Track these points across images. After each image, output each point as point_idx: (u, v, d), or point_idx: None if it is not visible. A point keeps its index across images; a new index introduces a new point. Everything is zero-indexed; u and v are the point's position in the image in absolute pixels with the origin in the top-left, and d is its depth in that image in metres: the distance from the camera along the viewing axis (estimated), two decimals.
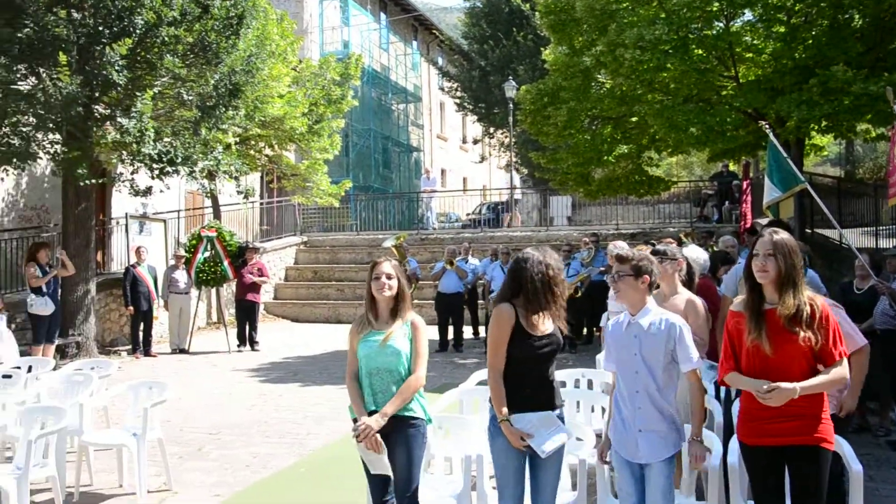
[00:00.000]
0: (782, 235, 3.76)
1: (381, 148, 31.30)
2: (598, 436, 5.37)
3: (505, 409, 4.06)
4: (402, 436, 4.17)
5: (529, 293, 4.08)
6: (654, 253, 5.08)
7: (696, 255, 6.50)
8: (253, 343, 14.71)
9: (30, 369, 8.09)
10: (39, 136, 12.19)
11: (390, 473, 4.13)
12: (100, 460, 6.83)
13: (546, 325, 4.14)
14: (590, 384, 6.61)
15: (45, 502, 5.83)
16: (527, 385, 4.11)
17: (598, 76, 15.48)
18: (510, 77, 26.08)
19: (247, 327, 14.81)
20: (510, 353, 4.09)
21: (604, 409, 6.19)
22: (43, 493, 5.93)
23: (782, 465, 3.75)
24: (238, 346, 14.68)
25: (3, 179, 12.75)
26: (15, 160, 11.72)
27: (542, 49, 19.10)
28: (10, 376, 7.57)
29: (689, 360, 4.06)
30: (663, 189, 18.04)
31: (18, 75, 11.52)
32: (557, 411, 4.17)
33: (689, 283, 5.65)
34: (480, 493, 4.80)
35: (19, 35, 10.65)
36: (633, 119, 15.36)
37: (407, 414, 4.20)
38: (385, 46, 32.75)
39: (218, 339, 15.28)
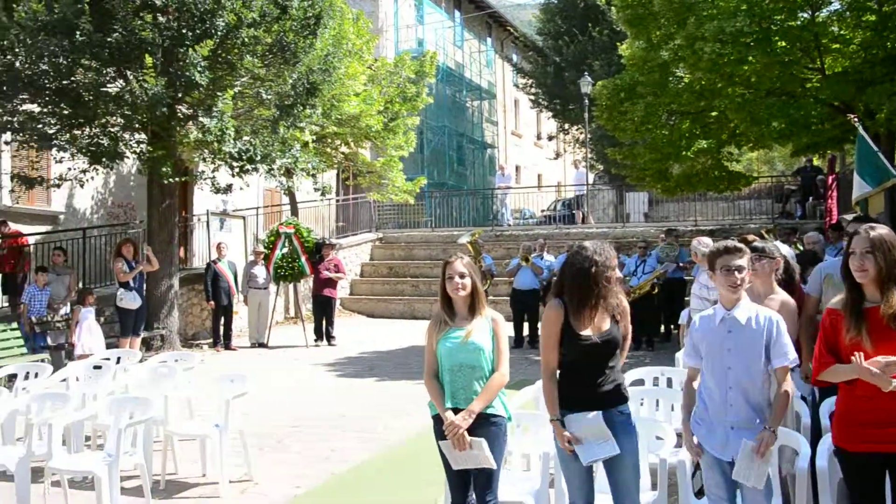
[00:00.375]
0: (880, 231, 3.58)
1: (455, 145, 31.33)
2: (679, 435, 5.27)
3: (557, 410, 4.03)
4: (483, 434, 4.10)
5: (571, 288, 4.01)
6: (753, 250, 4.92)
7: (784, 252, 6.30)
8: (330, 338, 14.91)
9: (118, 361, 8.38)
10: (126, 135, 12.62)
11: (489, 463, 4.08)
12: (184, 450, 6.99)
13: (601, 322, 4.02)
14: (669, 382, 6.48)
15: (134, 489, 6.01)
16: (579, 385, 4.04)
17: (677, 70, 15.20)
18: (585, 73, 25.78)
19: (323, 322, 15.03)
20: (561, 352, 4.04)
21: None
22: (131, 480, 6.12)
23: (883, 471, 3.59)
24: (315, 340, 14.90)
25: (92, 178, 13.20)
26: (104, 159, 12.14)
27: (618, 44, 18.85)
28: (100, 367, 7.87)
29: (784, 355, 3.89)
30: (744, 184, 17.63)
31: (107, 78, 11.91)
32: (622, 407, 4.06)
33: (786, 283, 5.45)
34: (558, 491, 4.75)
35: (109, 39, 11.01)
36: (713, 113, 15.05)
37: (489, 412, 4.15)
38: (459, 44, 32.78)
39: (295, 333, 15.54)
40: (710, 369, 4.03)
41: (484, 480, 4.15)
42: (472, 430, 4.08)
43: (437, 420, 4.20)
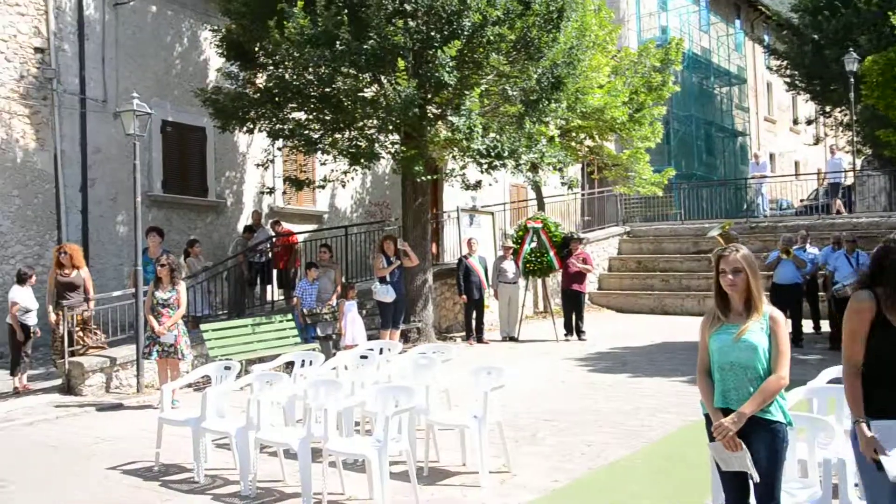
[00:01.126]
0: None
1: (703, 134, 30.18)
2: None
3: (862, 410, 3.65)
4: (761, 440, 3.85)
5: (890, 281, 3.63)
6: None
7: None
8: (580, 332, 14.83)
9: (381, 352, 8.82)
10: (381, 137, 13.27)
11: (751, 472, 3.81)
12: (443, 439, 7.20)
13: None
14: None
15: (399, 473, 6.28)
16: (890, 386, 3.64)
17: None
18: (850, 49, 23.72)
19: (573, 317, 14.97)
20: (869, 348, 3.66)
21: None
22: (397, 466, 6.40)
23: None
24: (565, 335, 14.87)
25: (352, 179, 14.04)
26: (362, 160, 12.85)
27: (889, 13, 17.13)
28: (366, 357, 8.34)
29: None
30: None
31: (364, 83, 12.61)
32: None
33: None
34: (843, 502, 4.37)
35: (365, 47, 11.62)
36: None
37: (766, 417, 3.86)
38: (705, 28, 31.47)
39: (545, 327, 15.60)
40: None
41: (764, 489, 3.87)
42: (747, 435, 3.82)
43: (709, 419, 3.98)
